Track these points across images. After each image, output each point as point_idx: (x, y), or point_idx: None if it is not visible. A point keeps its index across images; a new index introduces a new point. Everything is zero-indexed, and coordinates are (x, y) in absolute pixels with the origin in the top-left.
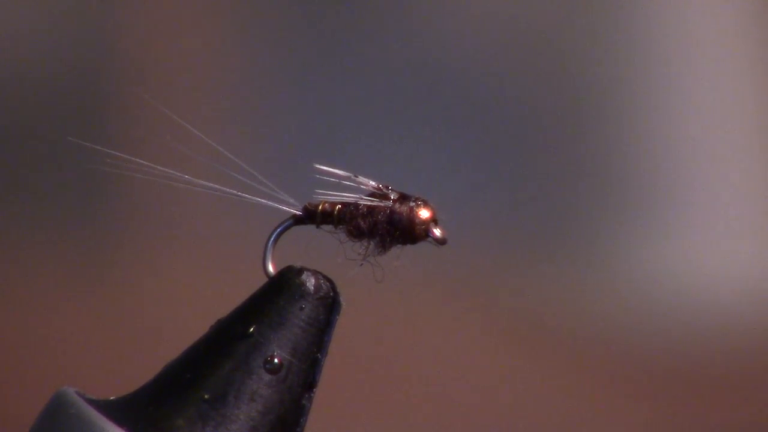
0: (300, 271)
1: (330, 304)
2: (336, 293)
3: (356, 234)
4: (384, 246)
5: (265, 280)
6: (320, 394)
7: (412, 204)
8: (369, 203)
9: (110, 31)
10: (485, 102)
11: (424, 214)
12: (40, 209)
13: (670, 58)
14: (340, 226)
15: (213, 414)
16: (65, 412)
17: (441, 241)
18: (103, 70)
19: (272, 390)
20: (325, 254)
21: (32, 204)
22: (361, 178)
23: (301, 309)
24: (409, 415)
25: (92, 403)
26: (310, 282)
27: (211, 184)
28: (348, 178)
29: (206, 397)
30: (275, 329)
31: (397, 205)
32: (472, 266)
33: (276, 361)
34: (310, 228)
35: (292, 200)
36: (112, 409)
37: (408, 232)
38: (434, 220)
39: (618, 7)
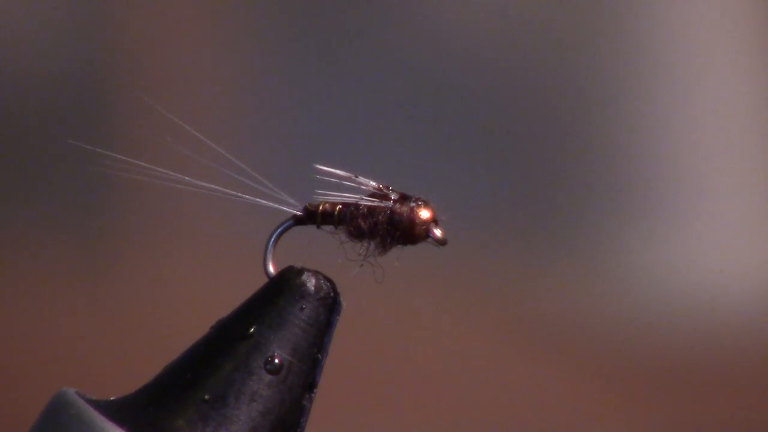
0: (300, 271)
1: (330, 305)
2: (336, 294)
3: (357, 234)
4: (384, 246)
5: (265, 280)
6: (320, 394)
7: (412, 204)
8: (369, 203)
9: (110, 31)
10: (486, 101)
11: (424, 214)
12: (40, 211)
13: (672, 59)
14: (341, 227)
15: (213, 414)
16: (65, 413)
17: (441, 242)
18: (103, 72)
19: (273, 390)
20: (325, 255)
21: (32, 205)
22: (361, 179)
23: (302, 309)
24: (410, 416)
25: (92, 403)
26: (311, 282)
27: (211, 185)
28: (348, 179)
29: (206, 397)
30: (276, 330)
31: (397, 206)
32: (473, 267)
33: (276, 361)
34: (310, 228)
35: (292, 200)
36: (112, 410)
37: (408, 233)
38: (435, 221)
39: (620, 8)
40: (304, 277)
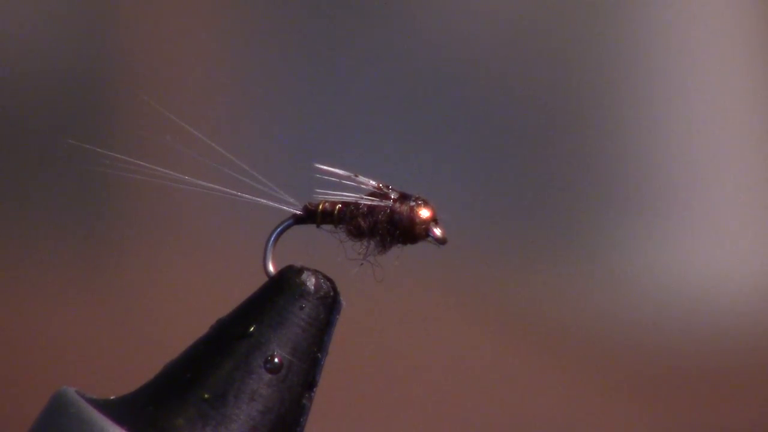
0: (300, 270)
1: (330, 304)
2: (336, 293)
3: (356, 233)
4: (384, 245)
5: (265, 279)
6: (320, 393)
7: (412, 203)
8: (369, 203)
9: (110, 31)
10: (486, 101)
11: (424, 213)
12: (39, 210)
13: (671, 60)
14: (341, 226)
15: (213, 413)
16: (65, 412)
17: (441, 241)
18: (103, 71)
19: (272, 389)
20: (325, 254)
21: (32, 205)
22: (361, 178)
23: (302, 308)
24: (409, 415)
25: (92, 402)
26: (311, 281)
27: (211, 185)
28: (348, 178)
29: (206, 396)
30: (275, 329)
31: (397, 205)
32: (473, 266)
33: (276, 360)
34: (310, 227)
35: (292, 200)
36: (112, 409)
37: (408, 232)
38: (434, 220)
39: (619, 8)
40: (304, 276)
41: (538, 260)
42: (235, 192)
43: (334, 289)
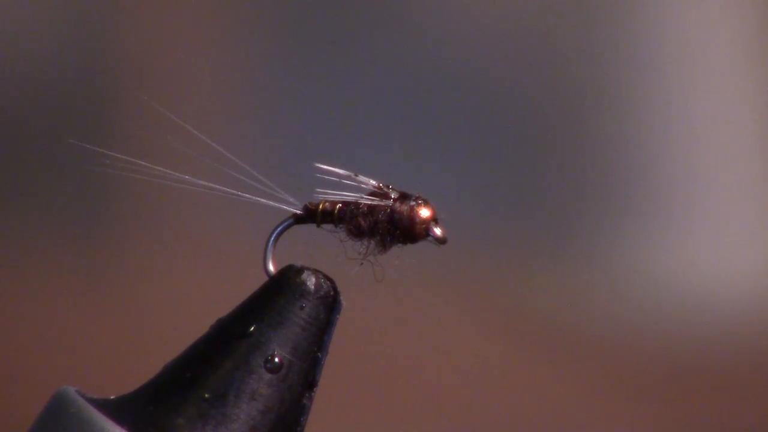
0: (300, 270)
1: (330, 304)
2: (336, 292)
3: (357, 233)
4: (384, 245)
5: (265, 279)
6: (320, 393)
7: (412, 203)
8: (369, 202)
9: (110, 31)
10: (486, 101)
11: (424, 213)
12: (40, 210)
13: (671, 59)
14: (341, 225)
15: (213, 413)
16: (65, 412)
17: (441, 241)
18: (103, 71)
19: (272, 389)
20: (325, 253)
21: (32, 204)
22: (361, 177)
23: (302, 308)
24: (409, 415)
25: (92, 402)
26: (311, 281)
27: (211, 184)
28: (348, 177)
29: (206, 396)
30: (275, 328)
31: (397, 204)
32: (473, 266)
33: (276, 360)
34: (310, 227)
35: (292, 199)
36: (112, 409)
37: (408, 231)
38: (435, 219)
39: (619, 8)
40: (304, 275)
41: (538, 260)
42: (235, 192)
43: (335, 288)
